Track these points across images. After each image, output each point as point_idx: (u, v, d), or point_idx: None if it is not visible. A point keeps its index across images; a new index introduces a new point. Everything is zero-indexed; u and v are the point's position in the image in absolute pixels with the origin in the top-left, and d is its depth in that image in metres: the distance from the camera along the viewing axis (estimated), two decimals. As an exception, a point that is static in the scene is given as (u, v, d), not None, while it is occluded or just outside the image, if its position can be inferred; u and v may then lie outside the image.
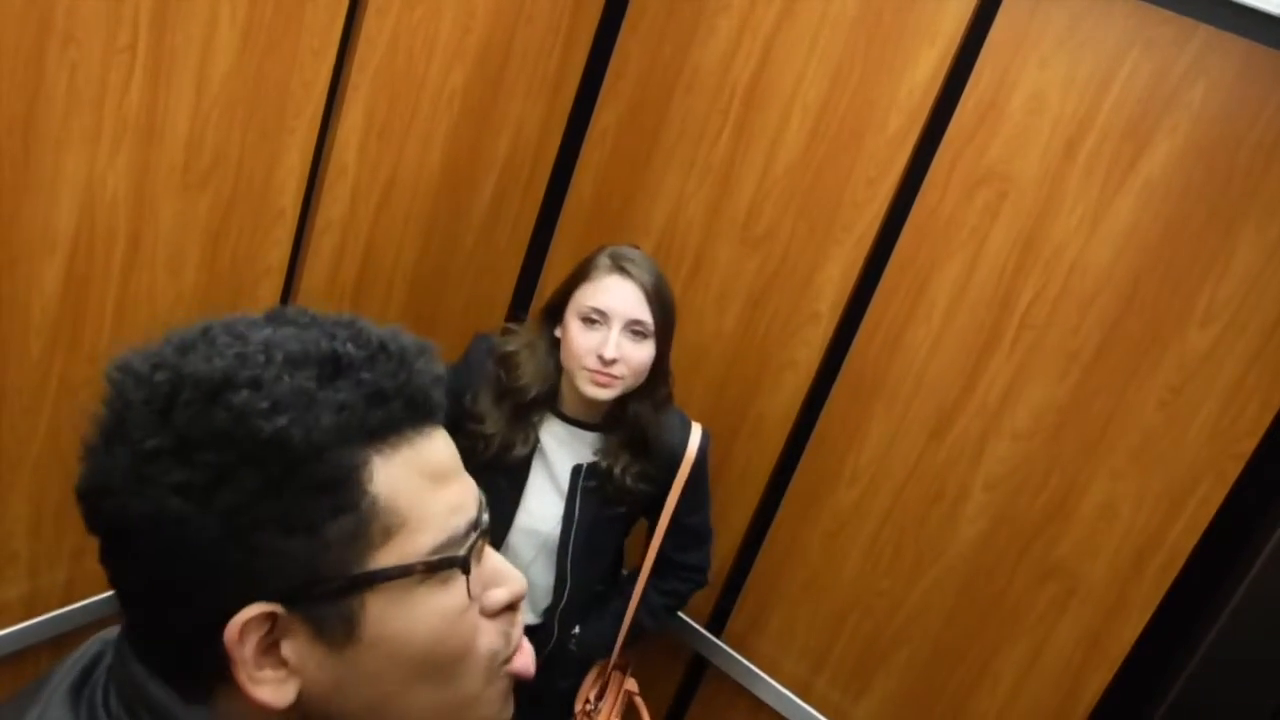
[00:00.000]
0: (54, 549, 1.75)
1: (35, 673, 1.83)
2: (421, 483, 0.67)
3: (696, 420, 2.02)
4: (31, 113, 1.38)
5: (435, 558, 0.67)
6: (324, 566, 0.63)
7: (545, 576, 1.98)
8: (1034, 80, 1.90)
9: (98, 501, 0.64)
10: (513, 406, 1.89)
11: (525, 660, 0.76)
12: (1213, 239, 1.78)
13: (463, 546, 0.69)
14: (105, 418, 0.64)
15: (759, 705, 2.34)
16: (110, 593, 1.84)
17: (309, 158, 1.83)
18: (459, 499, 0.70)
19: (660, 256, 2.18)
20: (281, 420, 0.60)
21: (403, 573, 0.65)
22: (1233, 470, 1.80)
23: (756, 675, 2.33)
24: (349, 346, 0.66)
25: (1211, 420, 1.81)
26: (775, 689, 2.31)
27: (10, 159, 1.39)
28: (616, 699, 2.16)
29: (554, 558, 1.96)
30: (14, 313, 1.51)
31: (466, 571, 0.68)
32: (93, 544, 0.66)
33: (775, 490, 2.30)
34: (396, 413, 0.66)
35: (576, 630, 2.04)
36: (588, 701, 2.12)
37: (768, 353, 2.24)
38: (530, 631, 2.00)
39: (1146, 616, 1.90)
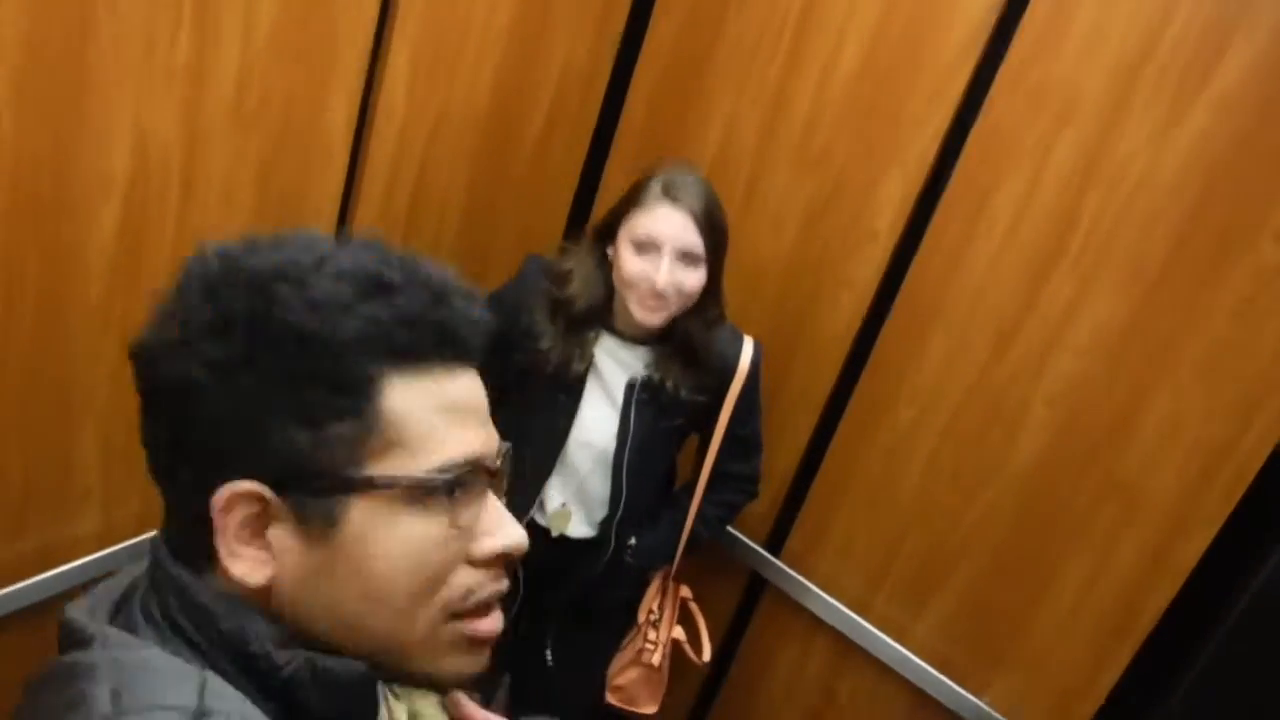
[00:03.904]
0: (125, 486, 1.78)
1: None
2: (434, 414, 0.71)
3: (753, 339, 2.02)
4: (82, 61, 1.37)
5: (422, 477, 0.70)
6: (320, 461, 0.68)
7: (602, 489, 2.03)
8: (1103, -13, 1.83)
9: (141, 362, 0.71)
10: (566, 321, 1.93)
11: (490, 625, 0.77)
12: (1289, 151, 1.73)
13: (455, 478, 0.71)
14: (169, 293, 0.71)
15: (817, 623, 2.37)
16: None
17: (357, 98, 1.81)
18: (472, 440, 0.73)
19: (714, 178, 2.14)
20: (312, 318, 0.66)
21: (387, 484, 0.69)
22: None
23: (815, 593, 2.35)
24: (394, 273, 0.71)
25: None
26: (834, 607, 2.33)
27: (65, 106, 1.38)
28: (675, 607, 2.25)
29: (609, 471, 2.00)
30: (74, 258, 1.51)
31: (450, 495, 0.71)
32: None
33: (834, 409, 2.29)
34: (424, 341, 0.71)
35: (633, 541, 2.09)
36: (651, 612, 2.20)
37: (824, 273, 2.22)
38: (588, 544, 2.08)
39: (1213, 532, 1.88)
